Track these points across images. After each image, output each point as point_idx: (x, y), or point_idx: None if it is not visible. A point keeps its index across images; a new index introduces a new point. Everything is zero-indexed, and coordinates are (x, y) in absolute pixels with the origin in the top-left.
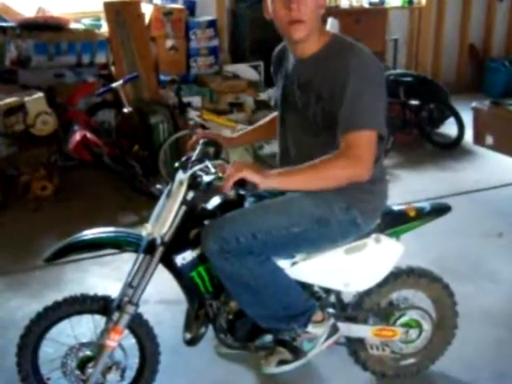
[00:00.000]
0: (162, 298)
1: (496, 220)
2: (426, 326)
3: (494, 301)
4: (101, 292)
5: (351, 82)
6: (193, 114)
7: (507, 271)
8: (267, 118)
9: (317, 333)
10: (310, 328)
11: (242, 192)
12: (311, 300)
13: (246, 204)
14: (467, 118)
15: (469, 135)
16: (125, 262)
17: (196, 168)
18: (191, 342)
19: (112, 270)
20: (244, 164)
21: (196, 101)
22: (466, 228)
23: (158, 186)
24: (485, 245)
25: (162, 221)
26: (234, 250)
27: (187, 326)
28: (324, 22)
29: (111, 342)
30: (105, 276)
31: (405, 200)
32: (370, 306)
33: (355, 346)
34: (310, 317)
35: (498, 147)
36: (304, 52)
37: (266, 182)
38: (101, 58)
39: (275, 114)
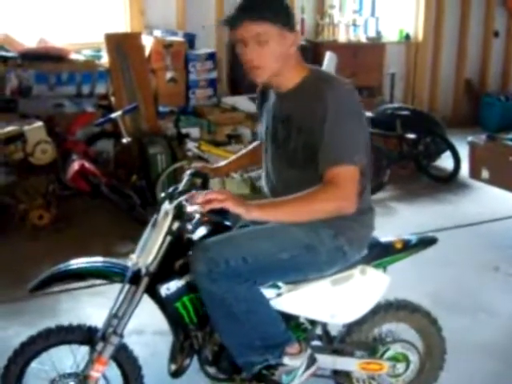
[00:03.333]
0: (158, 328)
1: (492, 253)
2: (413, 358)
3: (490, 334)
4: (96, 322)
5: (329, 117)
6: (191, 145)
7: (504, 304)
8: (250, 147)
9: (294, 365)
10: (287, 360)
11: (228, 223)
12: (289, 332)
13: None
14: (463, 152)
15: (465, 169)
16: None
17: (182, 198)
18: (176, 374)
19: (106, 299)
20: (229, 195)
21: (194, 132)
22: (462, 261)
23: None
24: (481, 278)
25: (148, 251)
26: (222, 272)
27: (172, 358)
28: (321, 56)
29: (95, 372)
30: (100, 306)
31: (401, 233)
32: (357, 338)
33: (341, 380)
34: (284, 349)
35: (494, 181)
36: (281, 87)
37: (249, 213)
38: (101, 89)
39: (257, 142)
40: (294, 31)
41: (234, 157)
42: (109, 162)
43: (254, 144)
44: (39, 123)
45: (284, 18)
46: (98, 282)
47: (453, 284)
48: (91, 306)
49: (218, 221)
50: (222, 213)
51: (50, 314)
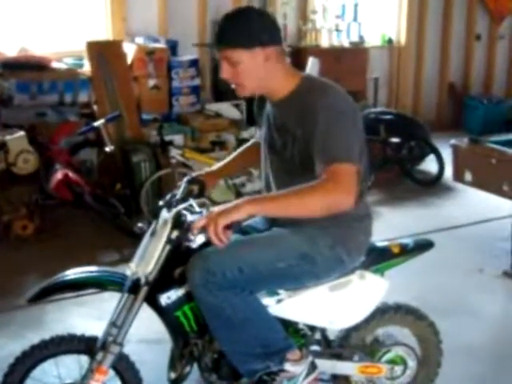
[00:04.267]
0: (143, 337)
1: (476, 256)
2: (411, 363)
3: (476, 337)
4: (81, 332)
5: (320, 119)
6: (175, 153)
7: (489, 307)
8: (245, 147)
9: (295, 371)
10: (289, 366)
11: None
12: (289, 339)
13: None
14: (447, 155)
15: (449, 172)
16: (104, 302)
17: (180, 207)
18: (176, 382)
19: (92, 309)
20: (215, 214)
21: (178, 139)
22: (447, 264)
23: (140, 225)
24: (466, 281)
25: (147, 260)
26: (219, 282)
27: (172, 366)
28: (304, 61)
29: (95, 382)
30: (85, 316)
31: (386, 237)
32: (356, 342)
33: (340, 383)
34: (285, 355)
35: (477, 184)
36: (274, 96)
37: (243, 213)
38: (83, 97)
39: (252, 141)
40: (269, 45)
41: (227, 159)
42: (92, 171)
43: (250, 143)
44: (21, 133)
45: (252, 38)
46: (82, 292)
47: (438, 287)
48: (76, 316)
49: None
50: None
51: (35, 326)
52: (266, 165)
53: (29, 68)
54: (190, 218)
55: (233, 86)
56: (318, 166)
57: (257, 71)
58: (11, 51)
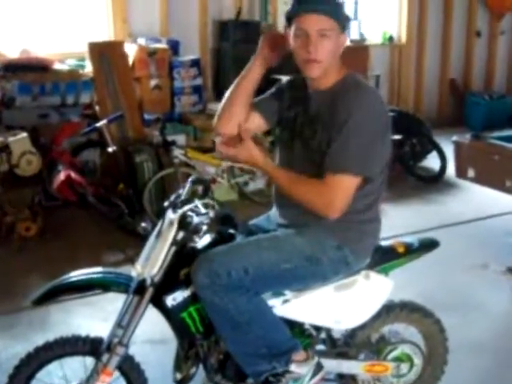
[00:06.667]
0: (148, 337)
1: (481, 252)
2: (417, 361)
3: (480, 332)
4: (86, 333)
5: (350, 122)
6: (177, 153)
7: (493, 302)
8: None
9: (301, 372)
10: (294, 367)
11: (231, 231)
12: (294, 339)
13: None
14: (449, 152)
15: (451, 168)
16: (109, 303)
17: (186, 208)
18: (181, 382)
19: (97, 310)
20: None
21: (180, 139)
22: (451, 260)
23: (143, 225)
24: (470, 277)
25: (152, 261)
26: (224, 284)
27: (177, 366)
28: None
29: (101, 383)
30: (90, 316)
31: (390, 234)
32: (362, 340)
33: (346, 382)
34: (290, 356)
35: (480, 180)
36: (320, 86)
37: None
38: (85, 98)
39: None
40: (345, 34)
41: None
42: (95, 172)
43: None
44: (24, 134)
45: (343, 19)
46: (88, 293)
47: (443, 283)
48: (81, 317)
49: (221, 230)
50: (227, 221)
51: (39, 327)
52: (291, 155)
53: (31, 69)
54: (195, 219)
55: (304, 63)
56: (327, 165)
57: (335, 52)
58: (13, 53)
